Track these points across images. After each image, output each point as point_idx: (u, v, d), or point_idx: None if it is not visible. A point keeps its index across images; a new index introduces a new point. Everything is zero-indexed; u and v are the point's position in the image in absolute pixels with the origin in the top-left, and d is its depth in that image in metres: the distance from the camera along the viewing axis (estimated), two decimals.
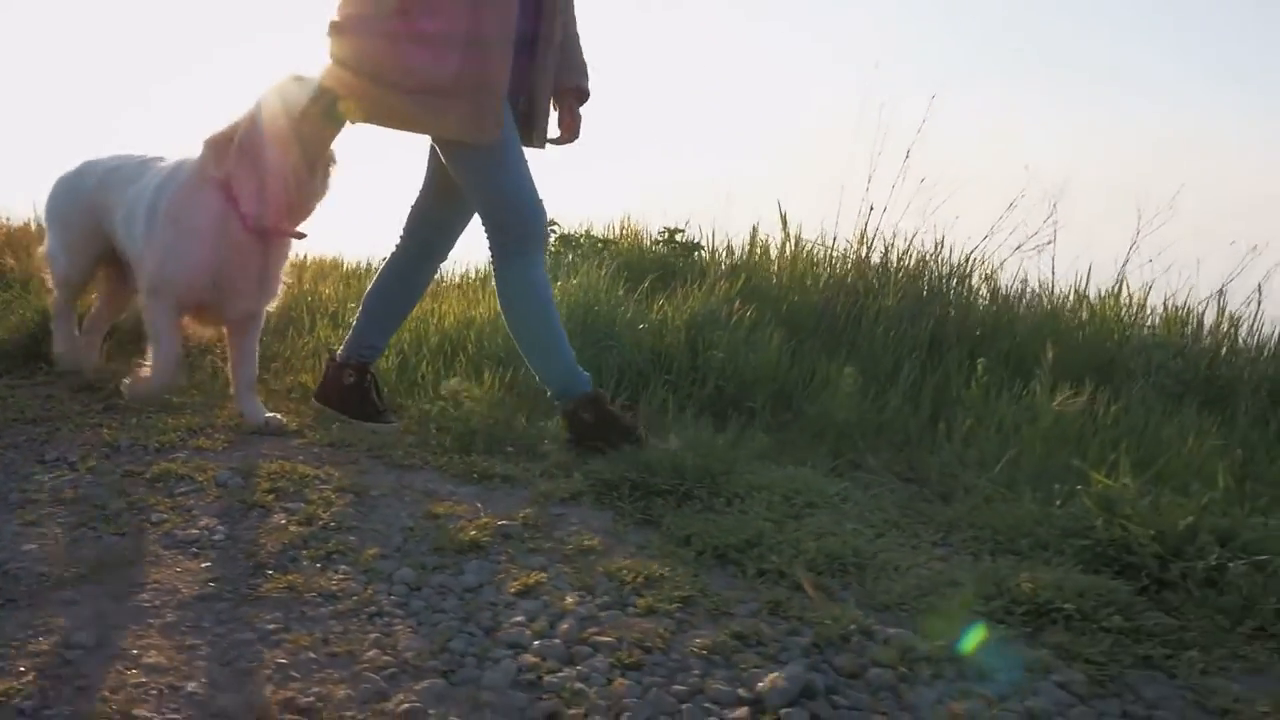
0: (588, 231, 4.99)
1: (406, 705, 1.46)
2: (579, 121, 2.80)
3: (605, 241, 4.88)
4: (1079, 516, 2.18)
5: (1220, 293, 3.97)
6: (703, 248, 4.56)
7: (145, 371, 2.81)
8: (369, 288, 2.93)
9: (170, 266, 2.66)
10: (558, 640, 1.68)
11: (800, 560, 1.98)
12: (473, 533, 2.08)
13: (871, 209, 4.33)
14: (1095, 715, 1.53)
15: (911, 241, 4.18)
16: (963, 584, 1.90)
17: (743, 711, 1.49)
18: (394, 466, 2.55)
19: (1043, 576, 1.91)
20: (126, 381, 2.86)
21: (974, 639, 1.71)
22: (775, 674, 1.56)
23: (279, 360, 3.40)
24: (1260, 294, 3.97)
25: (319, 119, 2.54)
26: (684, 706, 1.50)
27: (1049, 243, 4.47)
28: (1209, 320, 4.14)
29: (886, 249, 4.19)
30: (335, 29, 2.50)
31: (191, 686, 1.48)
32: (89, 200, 3.02)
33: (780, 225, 4.45)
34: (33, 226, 4.89)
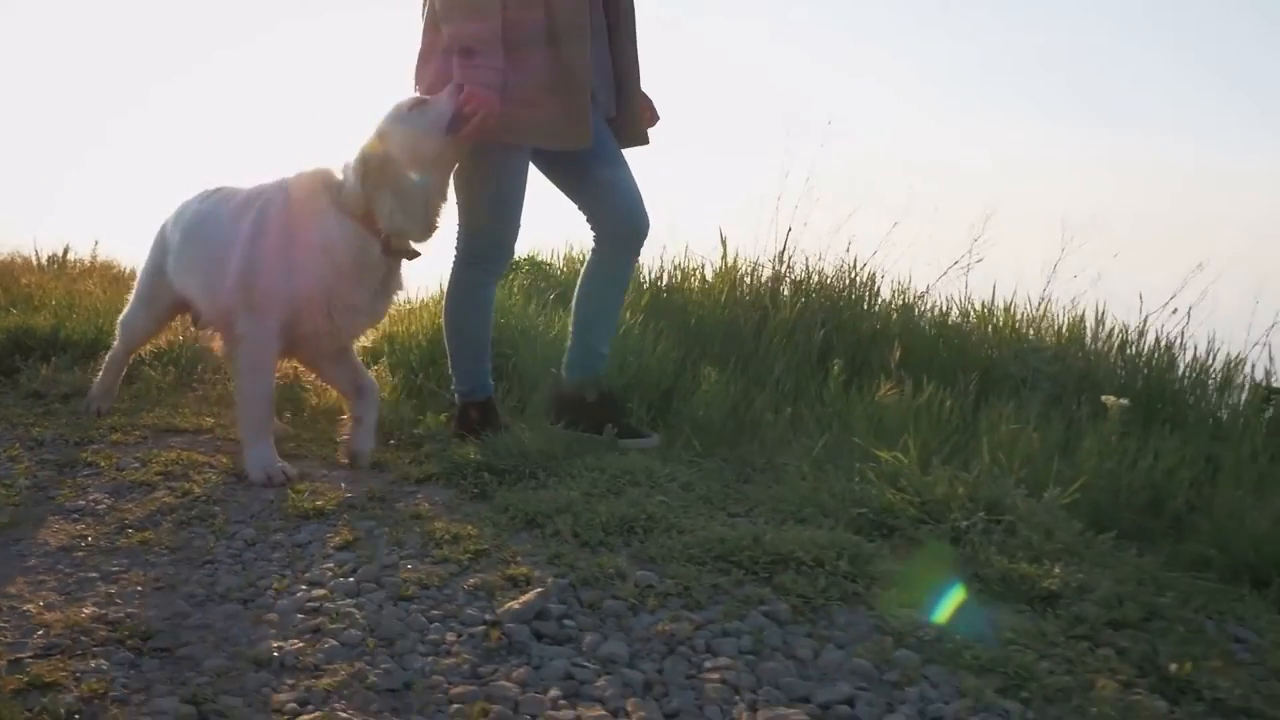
0: (532, 256, 5.35)
1: (198, 620, 1.80)
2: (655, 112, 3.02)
3: (548, 264, 5.24)
4: (865, 490, 2.47)
5: (1099, 308, 4.25)
6: None
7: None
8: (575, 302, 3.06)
9: (289, 284, 2.60)
10: (352, 580, 2.00)
11: (595, 521, 2.29)
12: (319, 503, 2.42)
13: (790, 230, 4.67)
14: (786, 634, 1.82)
15: (809, 260, 4.51)
16: (727, 541, 2.19)
17: (479, 629, 1.81)
18: (282, 456, 2.89)
19: (800, 535, 2.20)
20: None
21: (707, 580, 2.02)
22: (514, 601, 1.88)
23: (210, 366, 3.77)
24: (1141, 300, 4.22)
25: (453, 140, 2.58)
26: (433, 625, 1.82)
27: (979, 260, 4.80)
28: (1113, 331, 4.41)
29: (787, 268, 4.51)
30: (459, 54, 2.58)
31: (29, 607, 1.83)
32: (162, 244, 2.97)
33: (720, 246, 4.77)
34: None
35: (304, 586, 1.98)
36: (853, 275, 4.52)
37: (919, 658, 1.74)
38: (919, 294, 4.55)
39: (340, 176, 2.64)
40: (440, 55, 2.71)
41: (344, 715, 1.49)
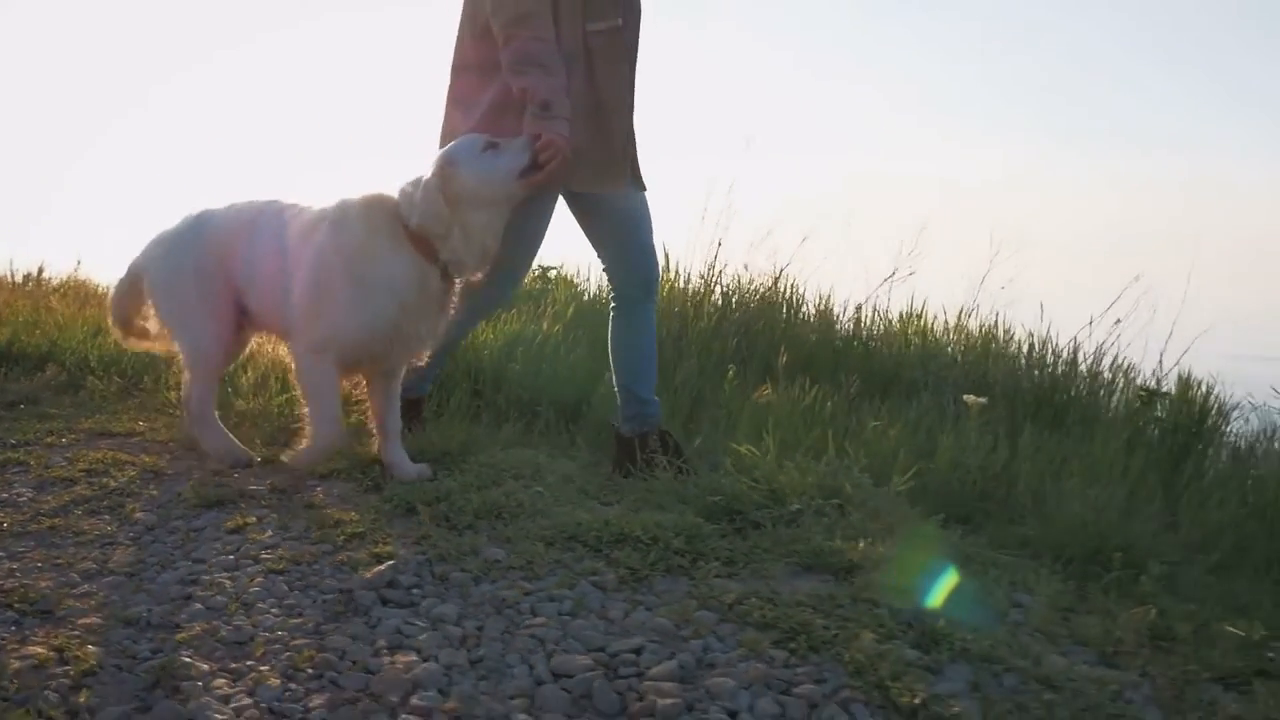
0: None
1: (85, 590, 2.05)
2: None
3: None
4: (721, 480, 2.72)
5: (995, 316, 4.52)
6: (551, 281, 5.17)
7: (304, 441, 2.84)
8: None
9: (354, 320, 2.67)
10: (232, 557, 2.26)
11: (468, 508, 2.54)
12: (222, 494, 2.68)
13: (719, 244, 4.94)
14: (606, 599, 2.07)
15: (738, 273, 4.77)
16: (581, 524, 2.44)
17: (335, 595, 2.06)
18: (202, 455, 3.15)
19: (646, 518, 2.45)
20: (288, 453, 2.89)
21: (552, 556, 2.27)
22: (369, 571, 2.13)
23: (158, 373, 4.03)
24: (1043, 309, 4.48)
25: (522, 185, 2.70)
26: (293, 593, 2.07)
27: (911, 273, 5.07)
28: (1023, 339, 4.66)
29: (716, 279, 4.78)
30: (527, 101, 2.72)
31: None
32: (216, 257, 2.92)
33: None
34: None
35: (188, 563, 2.23)
36: (770, 288, 4.79)
37: (716, 617, 1.98)
38: (846, 306, 4.83)
39: (396, 200, 2.70)
40: (475, 71, 2.87)
41: (186, 660, 1.73)
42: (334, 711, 1.60)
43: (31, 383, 3.91)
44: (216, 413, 3.07)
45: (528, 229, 2.95)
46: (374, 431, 2.95)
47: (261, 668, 1.74)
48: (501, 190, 2.68)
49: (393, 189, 2.74)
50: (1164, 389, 4.06)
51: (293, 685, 1.69)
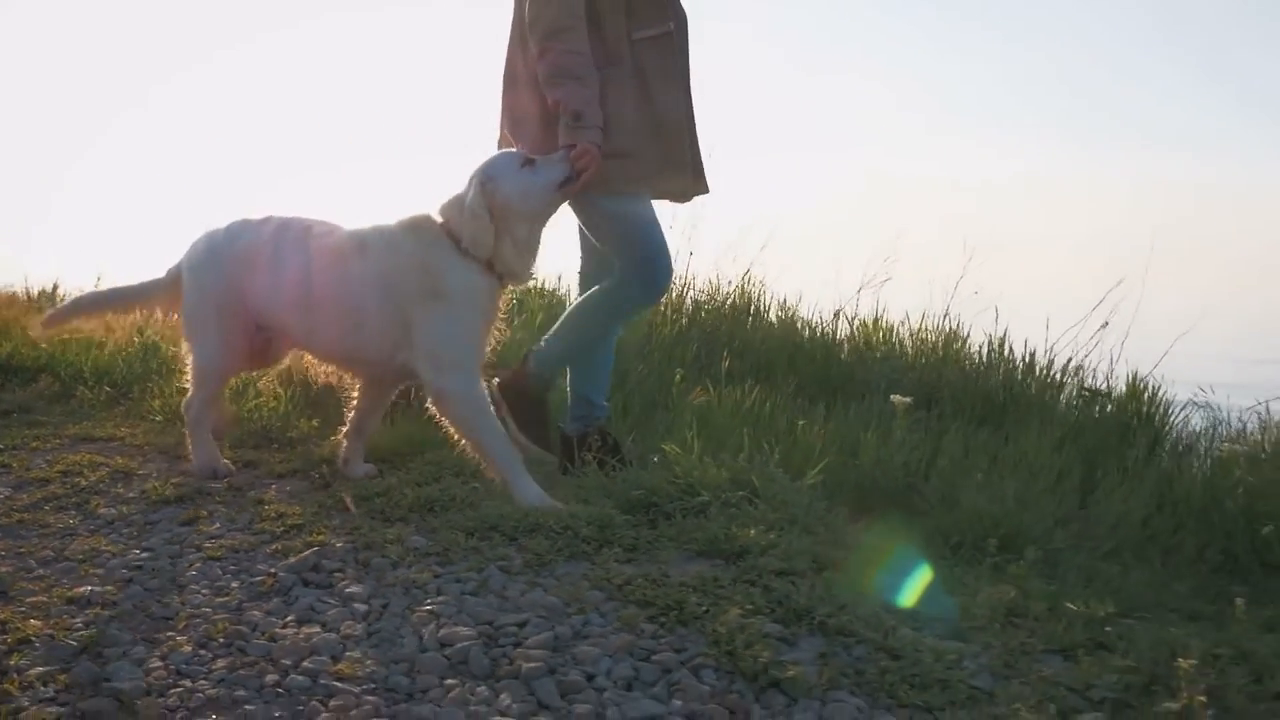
0: None
1: (40, 573, 2.30)
2: None
3: None
4: (643, 475, 2.92)
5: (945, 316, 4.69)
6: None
7: (492, 472, 2.87)
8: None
9: (472, 338, 2.84)
10: (176, 545, 2.49)
11: (402, 502, 2.76)
12: (173, 488, 2.92)
13: (691, 254, 5.14)
14: (508, 580, 2.27)
15: (709, 281, 4.98)
16: (504, 515, 2.64)
17: (262, 578, 2.28)
18: (173, 458, 3.40)
19: (564, 509, 2.65)
20: (515, 498, 2.77)
21: (469, 544, 2.48)
22: (294, 558, 2.36)
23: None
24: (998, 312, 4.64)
25: (560, 196, 2.85)
26: (225, 575, 2.30)
27: (886, 280, 5.25)
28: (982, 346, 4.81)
29: (686, 288, 4.98)
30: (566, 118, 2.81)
31: None
32: (239, 274, 3.03)
33: None
34: None
35: (136, 551, 2.47)
36: (740, 295, 4.98)
37: (603, 596, 2.18)
38: (819, 312, 5.02)
39: (438, 219, 2.85)
40: (525, 86, 2.96)
41: (115, 632, 1.96)
42: (233, 673, 1.82)
43: (26, 393, 4.20)
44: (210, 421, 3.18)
45: (638, 228, 3.00)
46: (345, 431, 3.14)
47: (179, 638, 1.97)
48: (540, 204, 2.84)
49: (430, 209, 2.88)
50: (1113, 389, 4.22)
51: (203, 651, 1.91)
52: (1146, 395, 4.09)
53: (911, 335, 4.98)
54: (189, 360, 3.17)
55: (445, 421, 2.88)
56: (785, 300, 5.12)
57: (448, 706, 1.72)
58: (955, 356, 4.53)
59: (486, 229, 2.76)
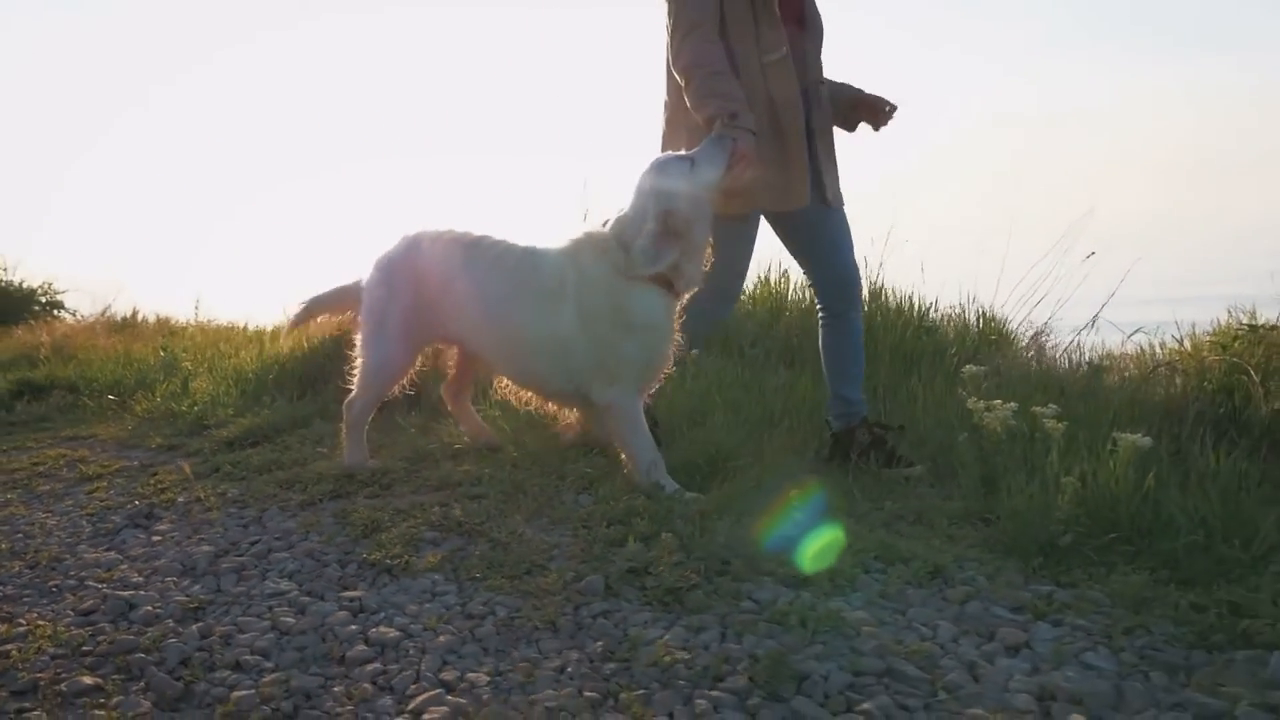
0: None
1: None
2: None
3: None
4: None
5: None
6: None
7: (634, 472, 3.04)
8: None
9: (656, 363, 3.03)
10: (76, 508, 3.43)
11: (314, 475, 3.61)
12: (100, 469, 3.89)
13: None
14: (283, 517, 3.08)
15: None
16: (321, 473, 3.45)
17: (105, 525, 3.18)
18: (125, 447, 4.39)
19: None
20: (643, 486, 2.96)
21: (270, 491, 3.31)
22: (130, 508, 3.25)
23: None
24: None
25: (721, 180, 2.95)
26: (84, 522, 3.21)
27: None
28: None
29: None
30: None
31: None
32: (418, 288, 3.24)
33: None
34: None
35: (42, 514, 3.42)
36: None
37: (336, 525, 2.96)
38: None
39: (611, 240, 2.99)
40: (688, 131, 3.18)
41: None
42: (32, 582, 2.70)
43: (45, 405, 5.34)
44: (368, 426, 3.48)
45: (737, 250, 3.30)
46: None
47: (17, 563, 2.87)
48: (709, 200, 2.96)
49: (599, 231, 3.06)
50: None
51: (29, 571, 2.81)
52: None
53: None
54: (358, 363, 3.41)
55: (606, 429, 3.14)
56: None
57: (151, 591, 2.54)
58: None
59: (672, 254, 2.89)
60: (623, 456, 3.10)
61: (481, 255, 3.17)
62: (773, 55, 3.15)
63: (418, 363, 3.44)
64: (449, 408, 3.69)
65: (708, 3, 3.09)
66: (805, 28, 3.28)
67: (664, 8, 3.18)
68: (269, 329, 6.83)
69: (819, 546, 2.47)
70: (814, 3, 3.35)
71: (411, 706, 1.87)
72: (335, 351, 5.03)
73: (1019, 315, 5.07)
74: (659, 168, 2.97)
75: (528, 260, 3.13)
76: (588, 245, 3.04)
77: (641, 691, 1.87)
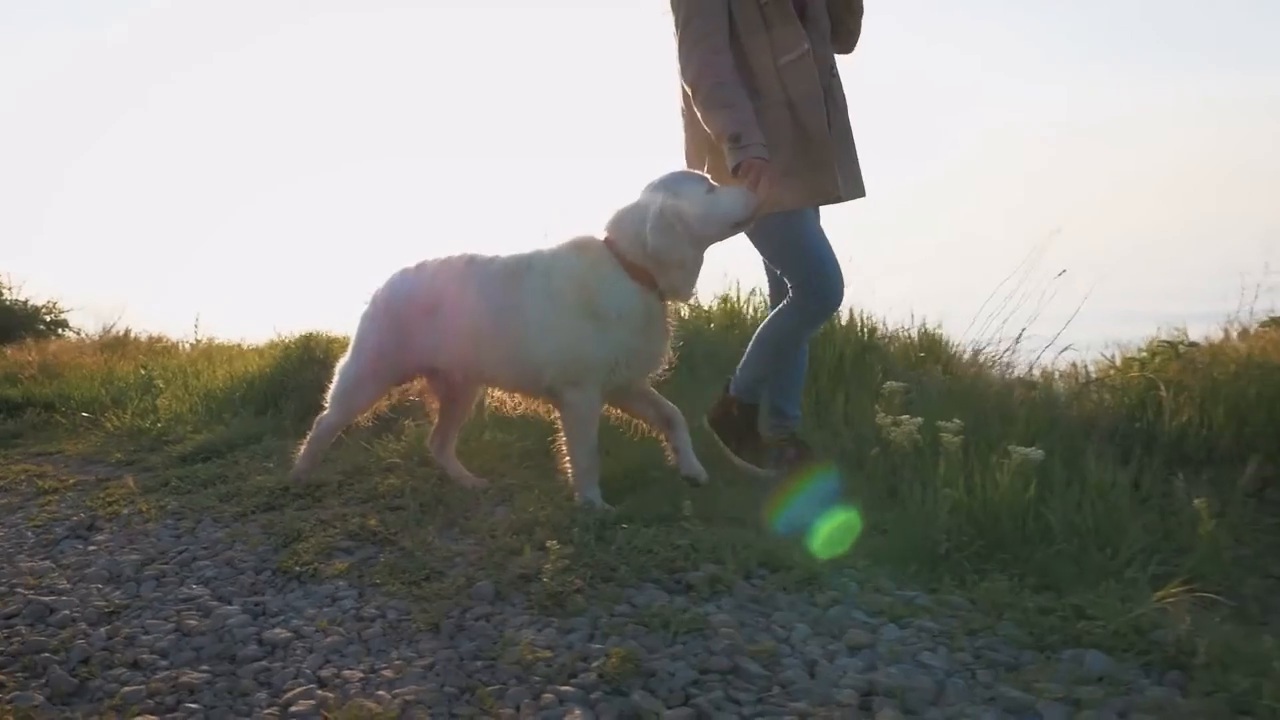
0: None
1: None
2: None
3: None
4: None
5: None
6: None
7: (569, 469, 3.11)
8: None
9: (622, 360, 3.01)
10: (21, 519, 3.60)
11: (253, 488, 3.77)
12: (57, 483, 4.07)
13: None
14: (215, 527, 3.24)
15: None
16: (260, 486, 3.61)
17: (46, 536, 3.34)
18: (88, 462, 4.57)
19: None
20: (576, 494, 3.07)
21: (210, 504, 3.47)
22: (74, 519, 3.41)
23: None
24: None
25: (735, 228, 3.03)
26: (29, 533, 3.38)
27: None
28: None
29: None
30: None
31: None
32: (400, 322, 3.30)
33: None
34: None
35: (15, 523, 3.58)
36: None
37: (261, 532, 3.11)
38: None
39: (600, 240, 3.05)
40: (710, 152, 3.20)
41: None
42: None
43: (18, 423, 5.53)
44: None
45: (819, 248, 3.28)
46: (663, 440, 3.23)
47: None
48: (715, 231, 3.01)
49: (594, 230, 3.09)
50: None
51: None
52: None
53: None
54: (332, 385, 3.53)
55: (560, 422, 3.14)
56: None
57: (73, 597, 2.69)
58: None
59: (678, 238, 2.93)
60: (565, 455, 3.14)
61: (470, 275, 3.20)
62: (790, 55, 3.16)
63: (391, 395, 3.54)
64: (435, 460, 3.61)
65: (715, 12, 3.11)
66: (809, 25, 3.26)
67: (669, 18, 3.21)
68: (247, 346, 7.02)
69: (831, 530, 2.58)
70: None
71: (282, 699, 2.02)
72: (300, 367, 5.22)
73: (1008, 333, 5.04)
74: (681, 175, 3.07)
75: (511, 266, 3.15)
76: (573, 242, 3.11)
77: (497, 686, 2.01)
